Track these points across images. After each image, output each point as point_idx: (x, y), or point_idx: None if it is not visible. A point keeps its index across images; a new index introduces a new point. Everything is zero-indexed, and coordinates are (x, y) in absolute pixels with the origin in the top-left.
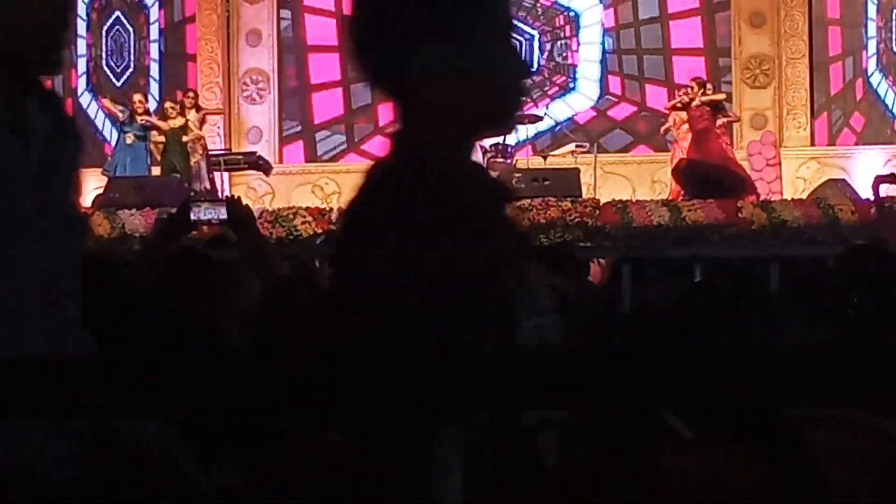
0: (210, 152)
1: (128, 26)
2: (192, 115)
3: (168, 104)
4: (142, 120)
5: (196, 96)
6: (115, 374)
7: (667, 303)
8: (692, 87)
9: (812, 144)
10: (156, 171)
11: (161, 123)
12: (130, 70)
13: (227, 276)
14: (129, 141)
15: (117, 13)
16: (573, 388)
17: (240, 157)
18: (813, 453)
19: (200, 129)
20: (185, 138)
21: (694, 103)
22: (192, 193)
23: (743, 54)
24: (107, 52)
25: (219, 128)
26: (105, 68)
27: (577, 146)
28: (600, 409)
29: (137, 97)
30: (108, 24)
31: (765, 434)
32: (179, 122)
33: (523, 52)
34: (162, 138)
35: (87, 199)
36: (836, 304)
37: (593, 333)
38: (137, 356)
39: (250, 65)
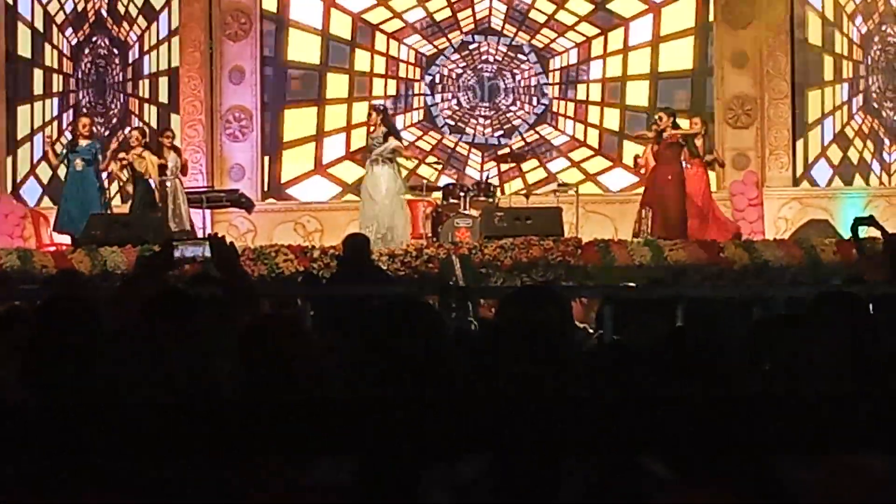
0: (191, 189)
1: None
2: (171, 157)
3: (134, 133)
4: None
5: (173, 136)
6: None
7: (647, 345)
8: (660, 118)
9: (794, 185)
10: (116, 201)
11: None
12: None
13: (209, 314)
14: (78, 167)
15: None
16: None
17: (222, 194)
18: (792, 492)
19: (183, 171)
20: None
21: (664, 134)
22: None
23: (725, 94)
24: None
25: (201, 165)
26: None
27: (559, 185)
28: (586, 455)
29: (83, 121)
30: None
31: (745, 474)
32: (136, 153)
33: None
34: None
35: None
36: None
37: (576, 375)
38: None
39: (233, 102)
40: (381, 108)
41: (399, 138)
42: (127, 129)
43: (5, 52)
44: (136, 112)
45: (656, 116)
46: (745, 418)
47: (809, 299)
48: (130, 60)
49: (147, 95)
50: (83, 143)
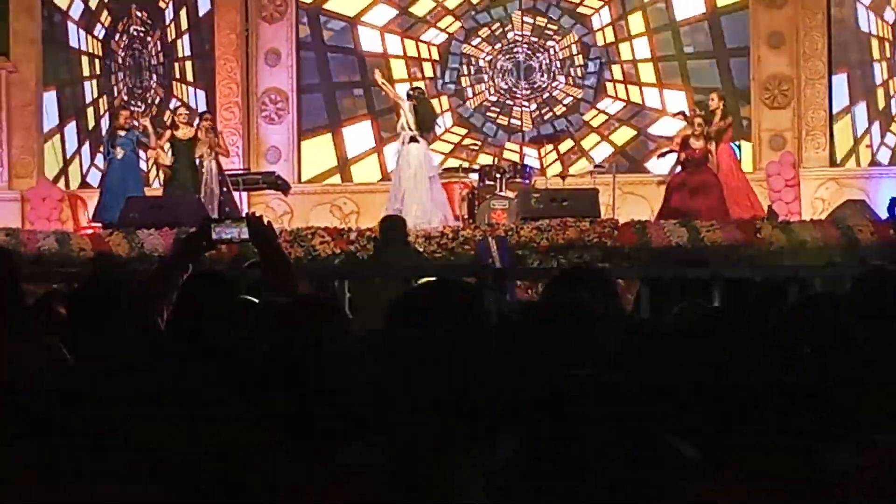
0: (228, 172)
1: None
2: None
3: (181, 110)
4: (140, 126)
5: (213, 118)
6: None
7: (685, 326)
8: (697, 123)
9: (831, 165)
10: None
11: (168, 135)
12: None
13: (246, 294)
14: (119, 155)
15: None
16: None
17: (258, 176)
18: (827, 474)
19: (216, 150)
20: (196, 153)
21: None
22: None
23: (762, 74)
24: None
25: (237, 147)
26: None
27: (595, 167)
28: (613, 435)
29: (123, 113)
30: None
31: (776, 455)
32: (189, 132)
33: None
34: (165, 160)
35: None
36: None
37: (616, 355)
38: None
39: (269, 84)
40: (418, 92)
41: (431, 127)
42: (171, 106)
43: (42, 36)
44: (176, 94)
45: (696, 121)
46: (784, 401)
47: (850, 279)
48: (166, 40)
49: (182, 77)
50: (121, 133)
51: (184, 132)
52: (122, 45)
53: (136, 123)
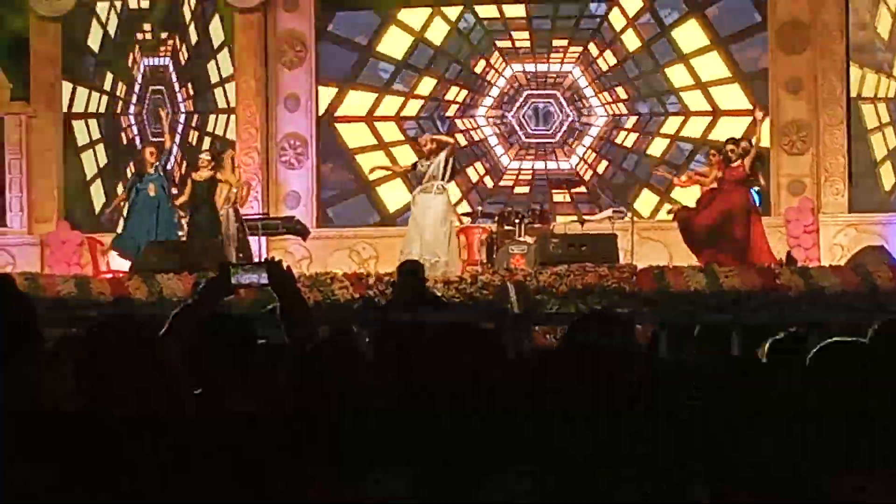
0: (247, 217)
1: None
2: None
3: (204, 154)
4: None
5: (235, 155)
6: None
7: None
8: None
9: (850, 211)
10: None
11: (195, 175)
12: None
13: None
14: (152, 193)
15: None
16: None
17: (278, 221)
18: None
19: (239, 196)
20: (218, 195)
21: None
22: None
23: (780, 120)
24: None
25: (256, 192)
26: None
27: (614, 212)
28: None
29: (149, 149)
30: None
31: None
32: (208, 174)
33: None
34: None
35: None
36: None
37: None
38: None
39: (289, 130)
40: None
41: (452, 177)
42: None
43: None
44: (192, 143)
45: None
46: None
47: (871, 327)
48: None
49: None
50: (150, 171)
51: (202, 174)
52: (141, 89)
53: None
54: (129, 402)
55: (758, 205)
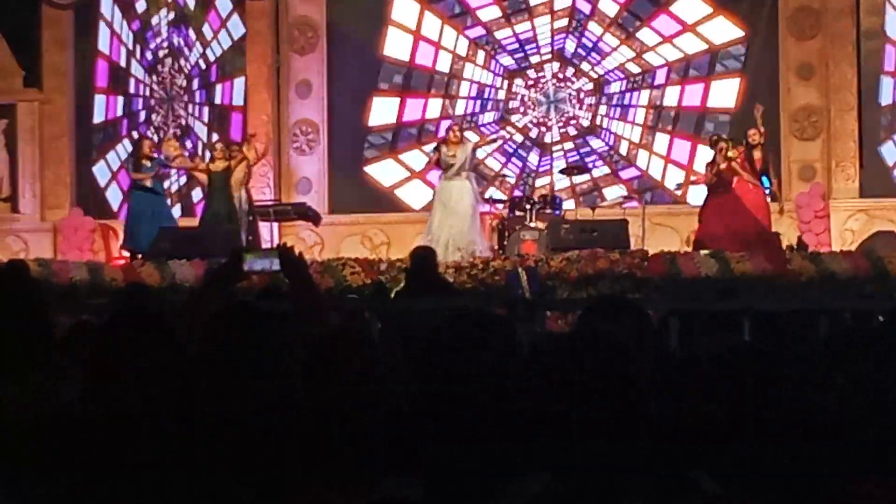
0: (259, 202)
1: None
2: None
3: (218, 145)
4: (176, 162)
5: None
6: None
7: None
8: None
9: (861, 196)
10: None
11: (203, 166)
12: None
13: (279, 327)
14: (148, 183)
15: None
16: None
17: (289, 207)
18: None
19: (249, 176)
20: (233, 181)
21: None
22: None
23: (791, 106)
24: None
25: (268, 178)
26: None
27: (624, 198)
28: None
29: (146, 143)
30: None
31: (797, 490)
32: (223, 164)
33: None
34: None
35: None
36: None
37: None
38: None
39: (300, 116)
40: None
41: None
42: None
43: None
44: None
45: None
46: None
47: (884, 312)
48: (197, 78)
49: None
50: (146, 163)
51: (218, 165)
52: (155, 79)
53: (158, 152)
54: (141, 396)
55: (766, 190)
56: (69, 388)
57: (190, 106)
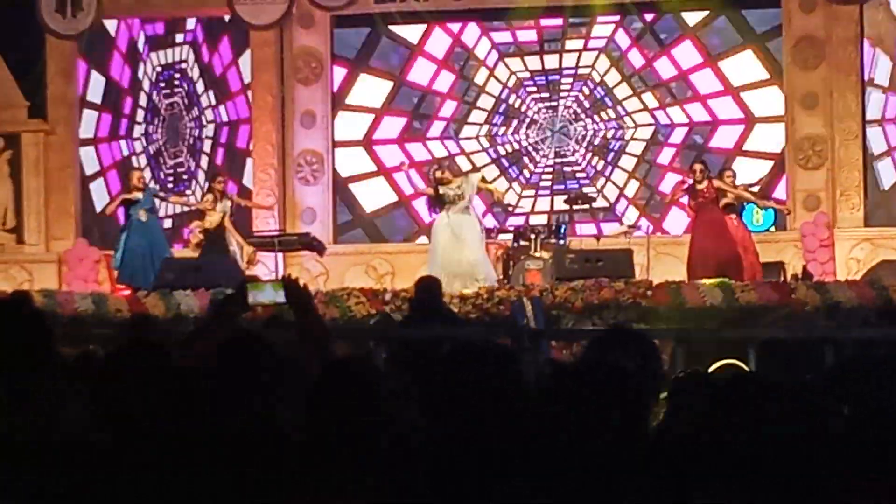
0: (263, 233)
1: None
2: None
3: (207, 197)
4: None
5: (225, 182)
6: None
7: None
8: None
9: (866, 226)
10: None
11: (205, 212)
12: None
13: (283, 358)
14: (143, 218)
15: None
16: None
17: (294, 237)
18: None
19: (231, 217)
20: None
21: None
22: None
23: (796, 135)
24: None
25: (273, 209)
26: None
27: (629, 227)
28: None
29: (136, 174)
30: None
31: None
32: (217, 217)
33: None
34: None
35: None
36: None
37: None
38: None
39: (305, 146)
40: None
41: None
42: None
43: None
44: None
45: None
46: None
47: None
48: (203, 106)
49: (219, 140)
50: (137, 195)
51: (215, 220)
52: (159, 107)
53: (150, 184)
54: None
55: (771, 222)
56: (74, 414)
57: (195, 131)
